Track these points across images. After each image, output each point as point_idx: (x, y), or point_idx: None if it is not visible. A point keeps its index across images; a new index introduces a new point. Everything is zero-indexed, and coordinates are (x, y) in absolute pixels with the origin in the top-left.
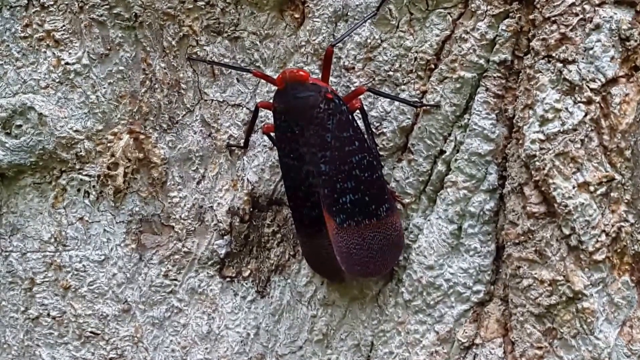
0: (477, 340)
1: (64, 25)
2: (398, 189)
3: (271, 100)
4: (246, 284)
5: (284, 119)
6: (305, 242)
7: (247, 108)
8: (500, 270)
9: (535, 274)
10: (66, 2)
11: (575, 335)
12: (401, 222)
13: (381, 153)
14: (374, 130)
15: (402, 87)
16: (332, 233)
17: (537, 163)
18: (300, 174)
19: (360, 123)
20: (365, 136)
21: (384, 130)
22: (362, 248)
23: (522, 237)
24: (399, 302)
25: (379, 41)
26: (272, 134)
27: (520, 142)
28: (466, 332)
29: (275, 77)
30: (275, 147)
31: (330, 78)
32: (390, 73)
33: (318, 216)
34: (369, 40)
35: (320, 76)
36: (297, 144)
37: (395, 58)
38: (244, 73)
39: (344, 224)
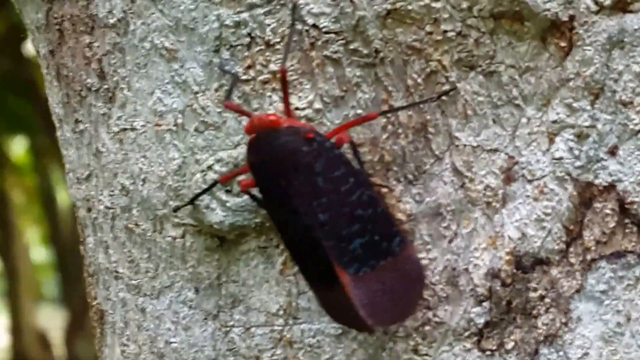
0: None
1: (292, 65)
2: None
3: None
4: (510, 357)
5: (266, 172)
6: (320, 296)
7: (506, 153)
8: None
9: None
10: (295, 39)
11: None
12: (417, 253)
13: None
14: None
15: None
16: (349, 286)
17: None
18: (298, 230)
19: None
20: (359, 169)
21: None
22: (385, 292)
23: None
24: None
25: None
26: (253, 191)
27: None
28: None
29: None
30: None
31: (604, 115)
32: None
33: (327, 271)
34: None
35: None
36: (287, 197)
37: None
38: (500, 113)
39: (358, 273)
